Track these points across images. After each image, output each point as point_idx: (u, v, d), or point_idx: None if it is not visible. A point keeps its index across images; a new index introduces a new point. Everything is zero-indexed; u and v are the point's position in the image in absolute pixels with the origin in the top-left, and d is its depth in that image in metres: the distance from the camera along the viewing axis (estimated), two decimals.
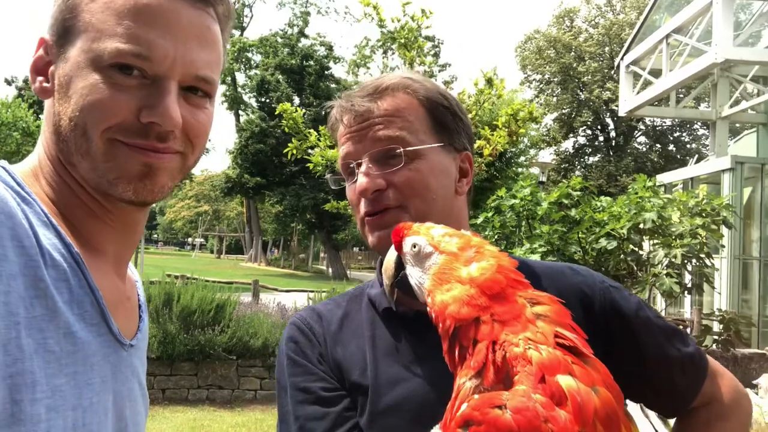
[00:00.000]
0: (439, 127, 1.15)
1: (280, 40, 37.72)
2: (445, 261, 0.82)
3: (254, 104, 38.81)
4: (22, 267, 0.73)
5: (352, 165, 1.13)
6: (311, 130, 6.92)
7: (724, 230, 9.05)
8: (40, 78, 0.87)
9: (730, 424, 1.13)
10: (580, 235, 8.36)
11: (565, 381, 0.67)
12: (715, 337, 9.97)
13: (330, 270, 37.68)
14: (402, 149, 1.09)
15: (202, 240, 65.18)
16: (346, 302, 1.21)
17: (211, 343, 7.82)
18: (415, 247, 0.86)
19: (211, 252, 59.41)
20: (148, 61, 0.82)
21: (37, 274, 0.75)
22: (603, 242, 8.24)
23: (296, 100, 35.31)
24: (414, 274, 0.86)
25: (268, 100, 35.11)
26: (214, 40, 0.90)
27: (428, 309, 0.82)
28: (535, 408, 0.64)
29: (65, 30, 0.85)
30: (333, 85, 36.28)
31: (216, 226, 64.69)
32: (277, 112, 7.12)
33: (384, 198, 1.10)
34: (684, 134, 36.38)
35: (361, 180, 1.10)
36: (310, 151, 6.83)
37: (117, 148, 0.83)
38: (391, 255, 0.90)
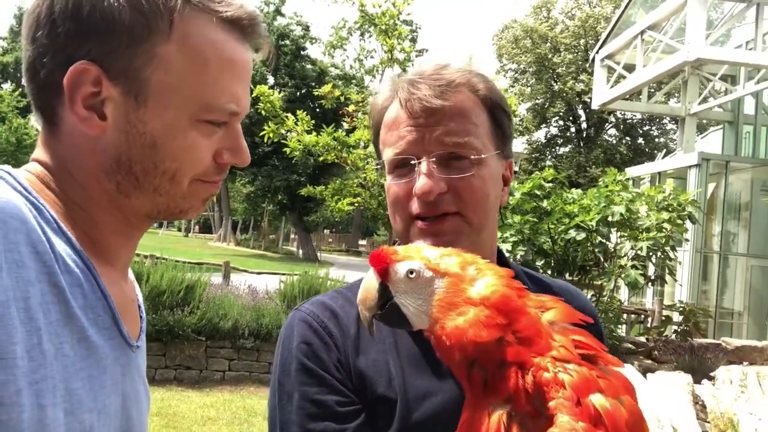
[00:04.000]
0: (497, 132, 1.11)
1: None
2: (450, 284, 0.78)
3: None
4: (38, 273, 0.73)
5: (413, 161, 1.05)
6: (288, 114, 6.87)
7: (688, 224, 9.32)
8: (89, 111, 0.83)
9: None
10: (550, 226, 8.52)
11: (597, 400, 0.69)
12: (675, 327, 10.31)
13: (300, 252, 37.56)
14: (471, 156, 1.05)
15: None
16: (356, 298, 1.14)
17: (180, 324, 7.77)
18: (412, 273, 0.79)
19: (179, 230, 58.49)
20: (237, 116, 0.90)
21: (53, 280, 0.75)
22: (572, 233, 8.42)
23: (270, 80, 34.82)
24: (410, 303, 0.79)
25: None
26: None
27: (432, 338, 0.78)
28: None
29: (140, 83, 0.82)
30: (309, 66, 35.87)
31: None
32: (254, 95, 7.04)
33: (443, 202, 1.04)
34: (653, 128, 37.11)
35: (424, 181, 1.03)
36: (287, 134, 6.78)
37: (196, 187, 0.89)
38: (372, 283, 0.82)
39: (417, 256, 0.81)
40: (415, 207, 1.05)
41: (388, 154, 1.09)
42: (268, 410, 1.08)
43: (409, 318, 0.80)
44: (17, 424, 0.68)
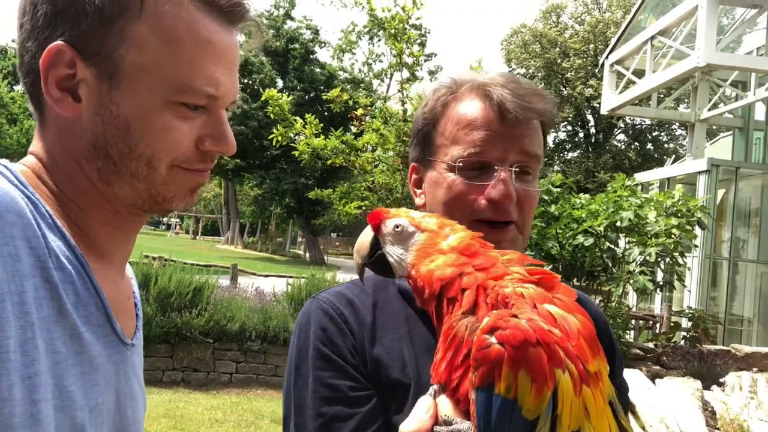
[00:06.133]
0: (543, 147, 1.16)
1: (265, 21, 36.85)
2: (427, 238, 0.91)
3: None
4: (32, 268, 0.73)
5: (496, 166, 1.08)
6: (297, 118, 6.89)
7: (698, 230, 9.26)
8: (63, 93, 0.83)
9: None
10: (558, 231, 8.49)
11: (552, 308, 0.78)
12: (684, 333, 10.24)
13: (307, 255, 37.61)
14: (537, 169, 1.12)
15: (177, 220, 64.47)
16: (372, 289, 1.15)
17: (188, 326, 7.80)
18: (398, 227, 0.92)
19: (187, 232, 58.72)
20: (216, 99, 0.87)
21: (46, 276, 0.75)
22: (580, 239, 8.39)
23: (279, 83, 34.91)
24: (394, 252, 0.92)
25: (250, 82, 34.68)
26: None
27: (410, 282, 0.91)
28: (538, 319, 0.76)
29: (112, 64, 0.83)
30: (317, 70, 35.96)
31: (193, 207, 64.04)
32: (263, 98, 7.07)
33: (510, 211, 1.08)
34: (662, 134, 36.94)
35: (503, 187, 1.06)
36: (295, 137, 6.81)
37: (177, 173, 0.88)
38: (367, 235, 0.95)
39: (404, 215, 0.94)
40: (485, 211, 1.08)
41: (457, 152, 1.09)
42: (283, 394, 1.11)
43: (393, 266, 0.93)
44: (8, 419, 0.68)
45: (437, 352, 0.84)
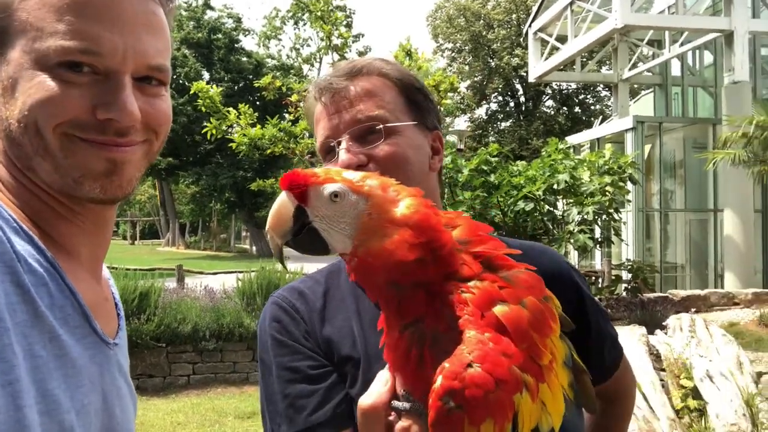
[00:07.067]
0: (412, 107, 1.20)
1: (184, 13, 35.86)
2: (373, 205, 0.77)
3: None
4: (1, 273, 0.71)
5: (332, 143, 1.15)
6: (230, 109, 6.74)
7: (629, 185, 9.70)
8: None
9: (628, 419, 1.39)
10: (499, 199, 8.70)
11: (498, 310, 0.74)
12: (625, 285, 10.76)
13: (254, 248, 37.06)
14: (382, 126, 1.13)
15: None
16: (324, 278, 1.23)
17: (138, 333, 7.58)
18: (336, 196, 0.77)
19: (124, 238, 56.68)
20: (97, 56, 0.79)
21: (17, 280, 0.73)
22: (521, 204, 8.64)
23: (206, 75, 33.92)
24: (331, 227, 0.77)
25: (175, 77, 33.52)
26: (161, 26, 0.88)
27: (354, 261, 0.77)
28: (490, 349, 0.71)
29: (0, 31, 0.80)
30: (244, 59, 35.11)
31: (127, 211, 61.78)
32: (192, 92, 6.86)
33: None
34: (588, 96, 38.20)
35: (343, 156, 1.12)
36: (229, 129, 6.66)
37: (75, 144, 0.81)
38: (286, 207, 0.78)
39: (339, 178, 0.78)
40: None
41: (317, 146, 1.22)
42: (259, 389, 1.16)
43: (328, 242, 0.79)
44: None
45: (386, 351, 0.82)
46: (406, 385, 0.81)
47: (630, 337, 4.59)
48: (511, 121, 37.82)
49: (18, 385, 0.70)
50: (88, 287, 0.87)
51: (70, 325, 0.80)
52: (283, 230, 0.78)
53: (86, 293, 0.85)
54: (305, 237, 0.79)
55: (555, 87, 36.67)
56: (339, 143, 1.14)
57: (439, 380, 0.71)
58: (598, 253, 13.42)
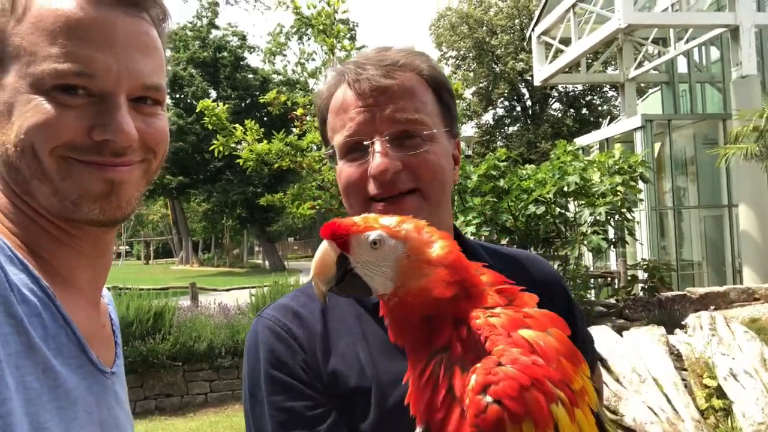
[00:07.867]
0: (444, 111, 1.11)
1: (189, 33, 36.27)
2: (411, 248, 0.81)
3: (169, 101, 37.15)
4: None
5: (366, 142, 1.04)
6: (236, 125, 6.77)
7: (641, 184, 9.62)
8: None
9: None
10: (510, 204, 8.65)
11: (525, 333, 0.75)
12: (642, 285, 10.63)
13: (267, 263, 37.15)
14: (426, 131, 1.05)
15: (127, 247, 62.56)
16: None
17: (154, 352, 7.60)
18: (376, 243, 0.80)
19: (138, 258, 57.08)
20: (91, 78, 0.80)
21: (9, 311, 0.72)
22: (532, 208, 8.57)
23: (213, 93, 34.21)
24: (373, 272, 0.80)
25: (183, 96, 33.84)
26: (154, 46, 0.87)
27: (394, 301, 0.80)
28: (520, 356, 0.72)
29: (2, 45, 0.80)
30: (250, 75, 35.41)
31: (140, 231, 62.26)
32: (198, 110, 6.91)
33: (399, 181, 1.04)
34: (595, 97, 38.06)
35: (379, 160, 1.02)
36: (236, 146, 6.69)
37: (72, 166, 0.81)
38: (330, 256, 0.81)
39: (378, 225, 0.82)
40: (371, 188, 1.04)
41: (338, 139, 1.07)
42: (244, 417, 1.07)
43: (370, 286, 0.81)
44: None
45: (411, 388, 0.80)
46: (426, 415, 0.78)
47: (649, 338, 4.52)
48: (518, 125, 37.75)
49: (10, 418, 0.68)
50: (85, 315, 0.86)
51: (64, 355, 0.79)
52: (327, 278, 0.82)
53: (82, 322, 0.83)
54: (348, 282, 0.82)
55: (561, 89, 36.59)
56: (372, 143, 1.04)
57: (473, 379, 0.72)
58: (612, 253, 13.30)
